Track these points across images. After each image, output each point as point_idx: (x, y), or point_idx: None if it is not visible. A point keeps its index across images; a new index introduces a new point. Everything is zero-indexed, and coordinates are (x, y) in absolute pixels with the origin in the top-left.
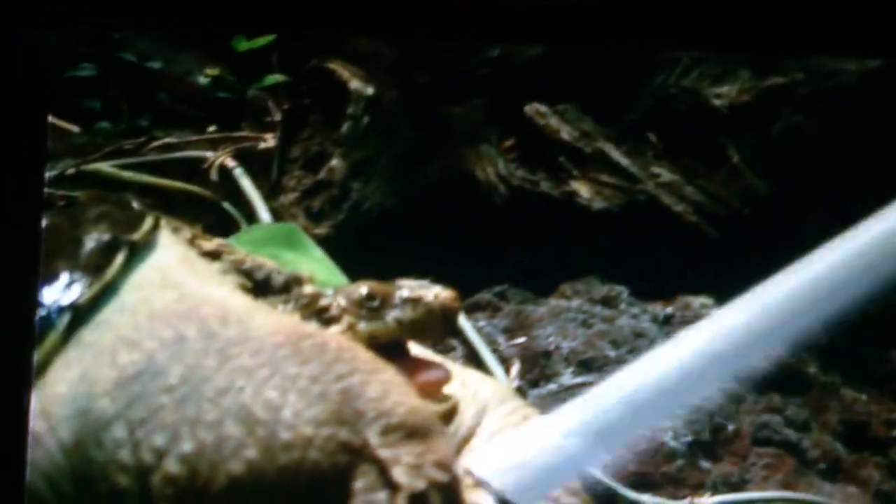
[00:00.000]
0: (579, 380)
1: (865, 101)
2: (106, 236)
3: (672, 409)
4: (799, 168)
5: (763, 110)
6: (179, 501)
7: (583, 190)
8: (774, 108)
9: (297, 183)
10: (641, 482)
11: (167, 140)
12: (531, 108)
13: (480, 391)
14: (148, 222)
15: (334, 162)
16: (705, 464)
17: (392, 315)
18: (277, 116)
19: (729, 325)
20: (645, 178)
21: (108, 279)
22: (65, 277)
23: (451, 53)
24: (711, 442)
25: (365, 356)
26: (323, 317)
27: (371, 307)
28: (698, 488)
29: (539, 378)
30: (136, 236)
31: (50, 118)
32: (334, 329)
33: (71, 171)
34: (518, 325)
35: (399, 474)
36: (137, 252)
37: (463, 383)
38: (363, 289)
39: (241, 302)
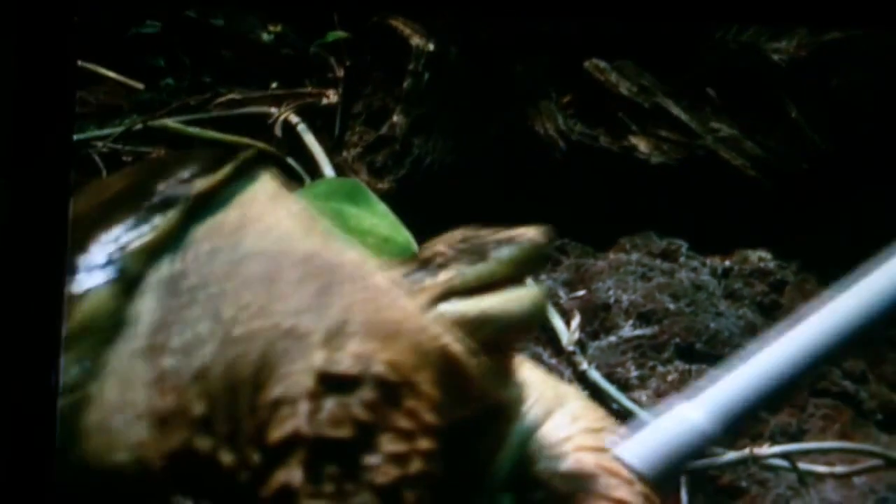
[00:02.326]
0: (639, 332)
1: None
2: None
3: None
4: (856, 123)
5: (821, 65)
6: None
7: (641, 145)
8: (832, 62)
9: (359, 139)
10: None
11: (231, 96)
12: (591, 64)
13: (546, 393)
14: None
15: (396, 118)
16: (764, 414)
17: (493, 256)
18: (340, 73)
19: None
20: (704, 132)
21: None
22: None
23: (511, 9)
24: None
25: (375, 280)
26: (430, 267)
27: (469, 251)
28: (757, 438)
29: (599, 330)
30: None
31: (114, 75)
32: (443, 276)
33: (138, 126)
34: (578, 279)
35: (327, 360)
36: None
37: (533, 383)
38: (459, 234)
39: (294, 224)
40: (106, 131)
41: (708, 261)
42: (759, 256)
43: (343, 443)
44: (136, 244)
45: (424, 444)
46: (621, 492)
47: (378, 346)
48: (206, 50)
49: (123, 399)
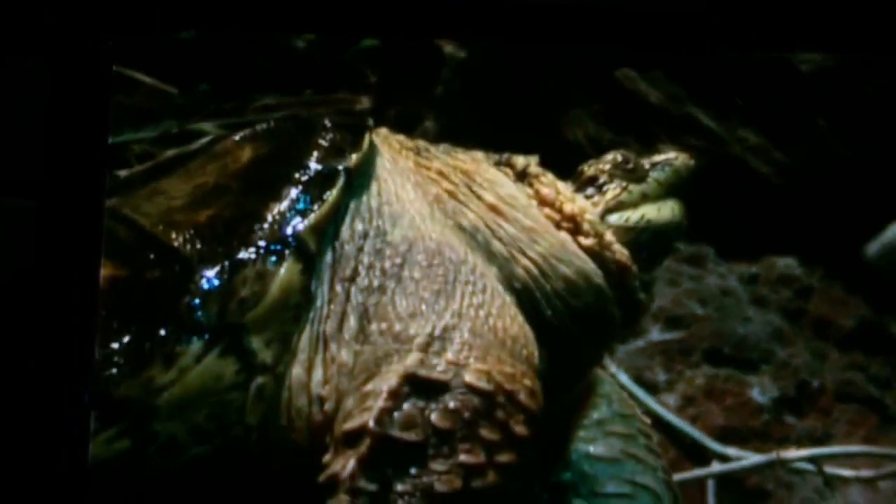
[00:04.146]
0: (667, 336)
1: None
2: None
3: None
4: (883, 133)
5: (848, 75)
6: None
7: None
8: (860, 73)
9: None
10: (728, 436)
11: (266, 102)
12: (621, 73)
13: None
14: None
15: (428, 124)
16: (790, 419)
17: (652, 176)
18: (373, 79)
19: None
20: (732, 141)
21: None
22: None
23: (543, 18)
24: (797, 398)
25: (489, 284)
26: (597, 184)
27: (628, 170)
28: (783, 442)
29: (628, 334)
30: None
31: (150, 79)
32: (610, 192)
33: (174, 130)
34: None
35: (419, 363)
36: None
37: None
38: (618, 155)
39: (421, 206)
40: (141, 135)
41: (735, 267)
42: (786, 263)
43: (410, 445)
44: (310, 221)
45: (506, 457)
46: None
47: (479, 353)
48: (242, 56)
49: (307, 380)
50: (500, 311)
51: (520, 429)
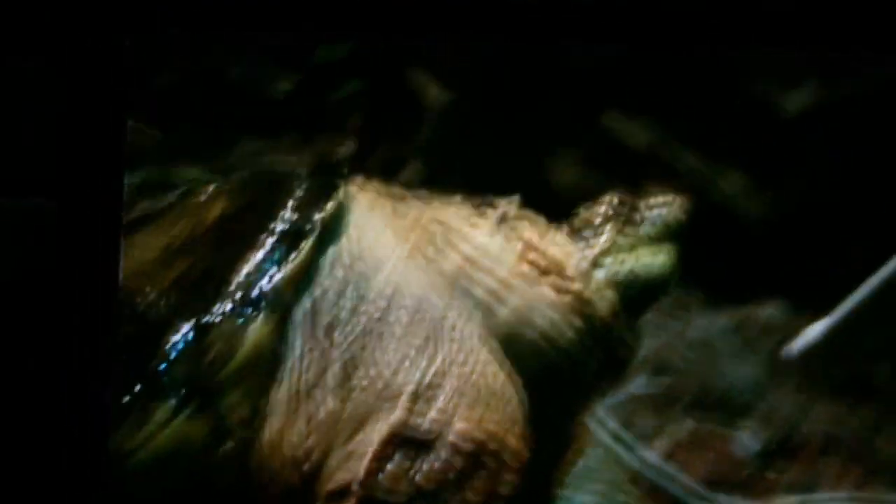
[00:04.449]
0: (653, 384)
1: None
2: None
3: None
4: (871, 176)
5: (834, 118)
6: None
7: None
8: (845, 115)
9: None
10: (713, 486)
11: (248, 148)
12: (607, 116)
13: None
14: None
15: (411, 169)
16: (776, 469)
17: (647, 221)
18: (355, 124)
19: None
20: (719, 184)
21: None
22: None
23: (527, 61)
24: (782, 448)
25: (473, 339)
26: (592, 226)
27: (624, 213)
28: (769, 493)
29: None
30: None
31: (132, 122)
32: (603, 238)
33: (155, 178)
34: None
35: (405, 420)
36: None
37: None
38: (614, 199)
39: (401, 253)
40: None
41: (721, 314)
42: (772, 310)
43: None
44: (283, 276)
45: None
46: None
47: (463, 411)
48: (223, 100)
49: (283, 438)
50: (484, 364)
51: (504, 488)
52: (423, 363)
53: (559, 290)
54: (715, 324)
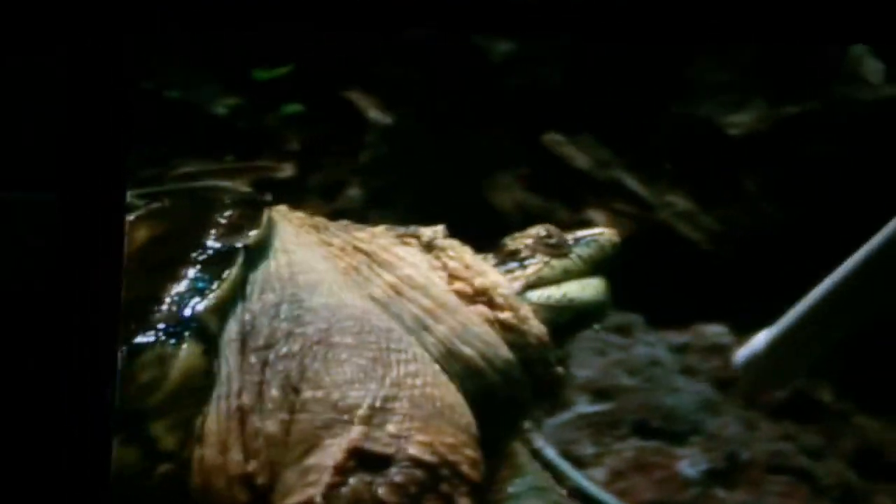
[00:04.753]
0: (594, 408)
1: (881, 129)
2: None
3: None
4: (814, 196)
5: (778, 139)
6: None
7: (598, 218)
8: (789, 137)
9: (314, 212)
10: None
11: (186, 169)
12: (549, 137)
13: None
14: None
15: (352, 191)
16: (720, 491)
17: (575, 252)
18: (295, 146)
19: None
20: (660, 206)
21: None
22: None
23: (469, 82)
24: (727, 470)
25: (419, 352)
26: (518, 257)
27: (551, 245)
28: None
29: (554, 407)
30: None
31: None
32: (532, 267)
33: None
34: None
35: (363, 436)
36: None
37: None
38: (542, 230)
39: (334, 276)
40: None
41: (664, 336)
42: (716, 331)
43: None
44: (211, 301)
45: None
46: None
47: (420, 425)
48: (162, 122)
49: (223, 460)
50: (434, 379)
51: (463, 501)
52: (376, 379)
53: (488, 319)
54: (659, 345)
